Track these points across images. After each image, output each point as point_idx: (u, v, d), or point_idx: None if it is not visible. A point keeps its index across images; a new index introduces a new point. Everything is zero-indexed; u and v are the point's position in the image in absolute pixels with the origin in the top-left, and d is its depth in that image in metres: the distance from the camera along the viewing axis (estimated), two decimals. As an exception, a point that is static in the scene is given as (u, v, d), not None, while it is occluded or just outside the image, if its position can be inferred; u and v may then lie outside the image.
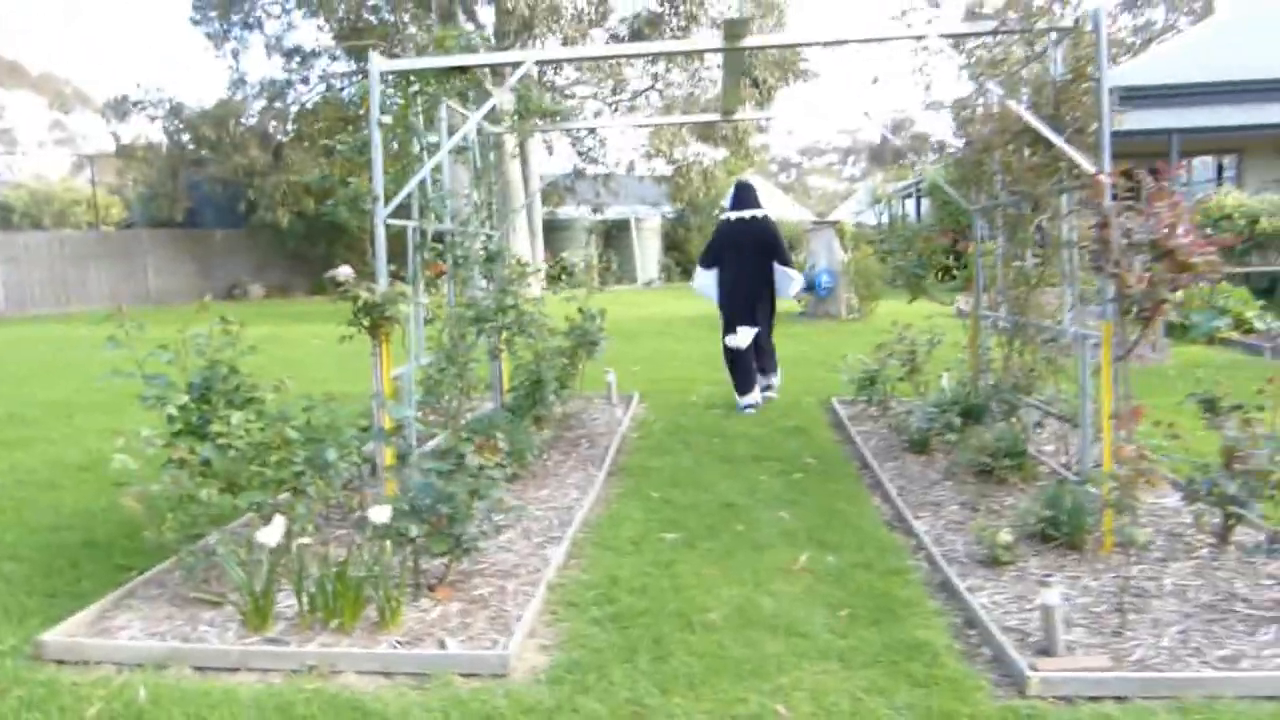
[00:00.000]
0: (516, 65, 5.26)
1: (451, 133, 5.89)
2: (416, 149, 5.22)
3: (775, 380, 9.01)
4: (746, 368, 8.55)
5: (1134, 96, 20.07)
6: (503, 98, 6.11)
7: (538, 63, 4.58)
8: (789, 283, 8.79)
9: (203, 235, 27.39)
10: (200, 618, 3.96)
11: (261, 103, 26.21)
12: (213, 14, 25.30)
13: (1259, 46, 20.91)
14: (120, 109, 24.96)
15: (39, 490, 6.15)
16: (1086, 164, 4.44)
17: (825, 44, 4.93)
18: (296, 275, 28.41)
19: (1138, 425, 4.04)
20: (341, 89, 26.05)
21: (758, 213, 8.60)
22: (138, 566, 4.60)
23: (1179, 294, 3.95)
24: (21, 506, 5.78)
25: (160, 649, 3.65)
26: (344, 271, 4.57)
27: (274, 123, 25.82)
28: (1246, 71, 20.30)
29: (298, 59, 26.57)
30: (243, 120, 24.95)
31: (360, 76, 24.54)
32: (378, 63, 4.69)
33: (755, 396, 8.50)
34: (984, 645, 3.73)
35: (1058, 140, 4.50)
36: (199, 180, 25.69)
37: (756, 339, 8.55)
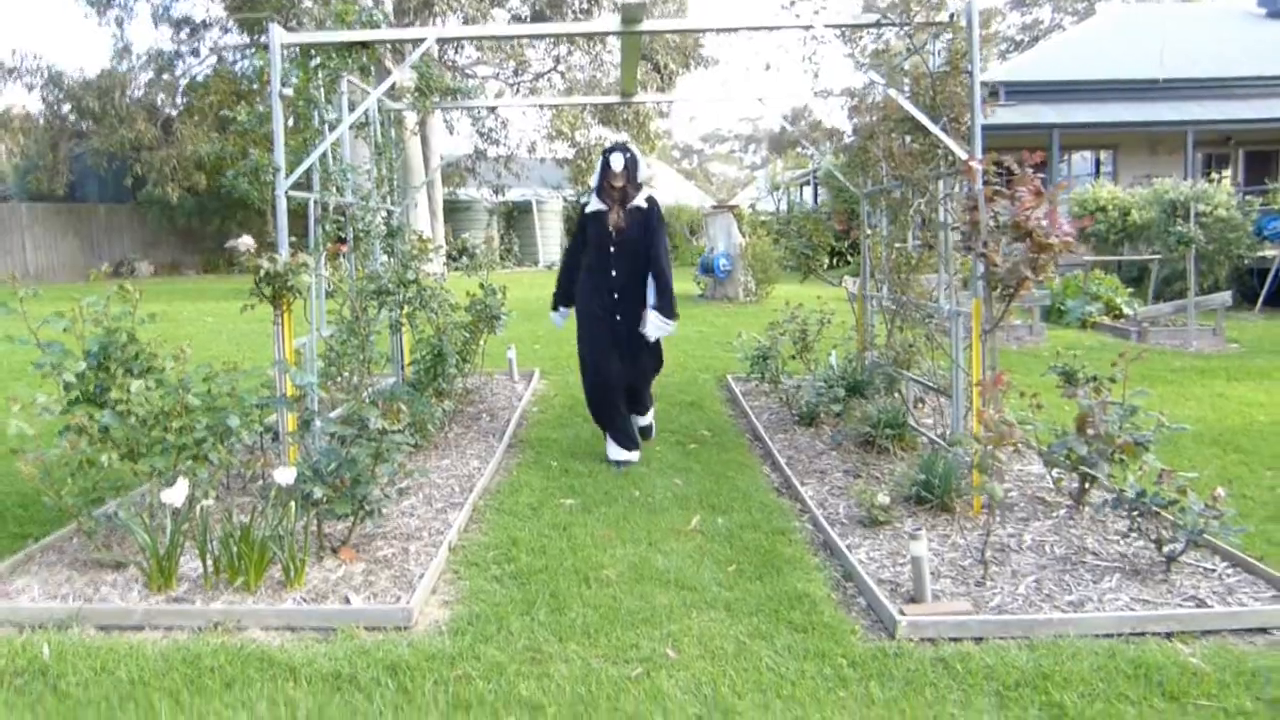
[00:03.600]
0: (418, 42, 5.36)
1: (352, 108, 5.93)
2: (317, 122, 5.25)
3: (649, 419, 6.61)
4: (615, 412, 6.12)
5: (1019, 91, 21.09)
6: (403, 75, 6.17)
7: (439, 41, 4.67)
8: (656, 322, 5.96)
9: (86, 210, 26.33)
10: (102, 580, 4.00)
11: (148, 74, 25.27)
12: (96, -21, 24.28)
13: (1135, 48, 22.07)
14: (3, 75, 23.76)
15: (-79, 463, 6.00)
16: (960, 150, 4.76)
17: (719, 30, 5.15)
18: (187, 253, 27.63)
19: (1002, 391, 4.37)
20: (234, 62, 25.33)
21: (640, 200, 6.00)
22: (33, 534, 4.58)
23: (1041, 272, 4.27)
24: (-96, 478, 5.65)
25: (62, 609, 3.69)
26: (245, 241, 4.61)
27: (162, 95, 24.91)
28: (1123, 71, 21.43)
29: (187, 30, 25.71)
30: (129, 92, 24.00)
31: (255, 50, 23.92)
32: (279, 35, 4.72)
33: (633, 455, 6.09)
34: (859, 595, 4.02)
35: (934, 128, 4.81)
36: (81, 153, 24.68)
37: (634, 374, 6.17)
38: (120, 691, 3.13)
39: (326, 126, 5.30)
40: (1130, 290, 13.75)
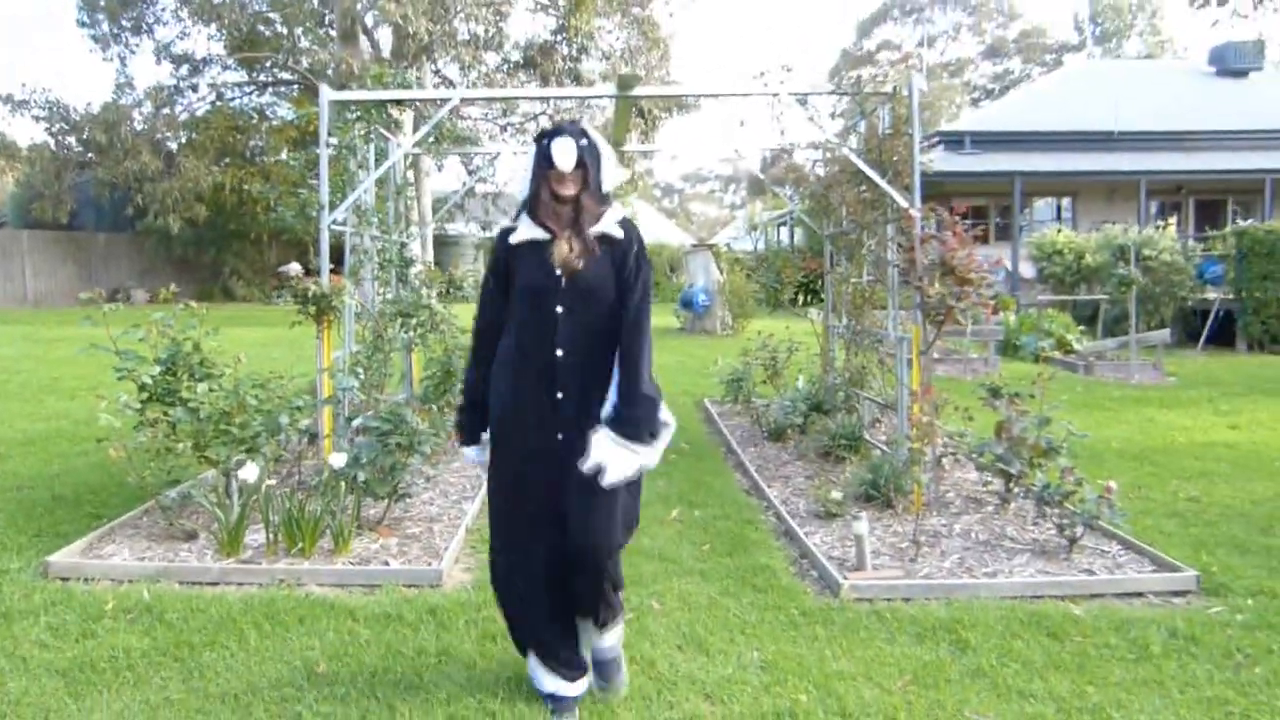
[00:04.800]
0: (434, 97, 6.20)
1: (375, 155, 6.78)
2: (354, 167, 6.09)
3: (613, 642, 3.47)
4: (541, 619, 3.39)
5: (985, 140, 22.24)
6: (420, 132, 7.02)
7: (443, 92, 5.47)
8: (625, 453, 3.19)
9: (85, 238, 27.05)
10: (178, 548, 4.76)
11: (149, 108, 26.16)
12: (101, 17, 25.22)
13: (1095, 101, 23.31)
14: (13, 107, 24.59)
15: (-10, 460, 6.75)
16: (902, 200, 5.65)
17: (700, 96, 6.02)
18: (182, 282, 28.24)
19: (937, 404, 5.22)
20: (233, 99, 26.25)
21: (608, 224, 3.33)
22: (105, 515, 5.33)
23: (963, 302, 5.15)
24: (-20, 472, 6.40)
25: (150, 568, 4.45)
26: (294, 268, 5.42)
27: (166, 130, 25.78)
28: (1084, 123, 22.66)
29: (187, 66, 26.63)
30: (132, 125, 24.89)
31: (254, 88, 24.89)
32: (327, 93, 5.57)
33: (573, 687, 3.34)
34: (812, 569, 4.83)
35: (880, 181, 5.70)
36: (82, 182, 25.48)
37: (579, 551, 3.23)
38: (214, 623, 3.90)
39: (360, 170, 6.14)
40: (1082, 328, 14.72)
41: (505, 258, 3.33)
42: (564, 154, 3.18)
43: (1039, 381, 5.74)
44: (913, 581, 4.52)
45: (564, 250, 3.19)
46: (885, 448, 6.69)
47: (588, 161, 3.23)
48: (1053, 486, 4.98)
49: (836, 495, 5.64)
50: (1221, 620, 4.09)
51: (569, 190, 3.21)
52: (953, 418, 6.25)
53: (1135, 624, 4.04)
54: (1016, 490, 5.68)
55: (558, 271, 3.20)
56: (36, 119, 24.80)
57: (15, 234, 26.03)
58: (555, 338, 3.20)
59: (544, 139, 3.26)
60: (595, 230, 3.25)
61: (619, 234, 3.30)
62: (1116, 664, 3.68)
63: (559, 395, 3.21)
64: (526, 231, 3.28)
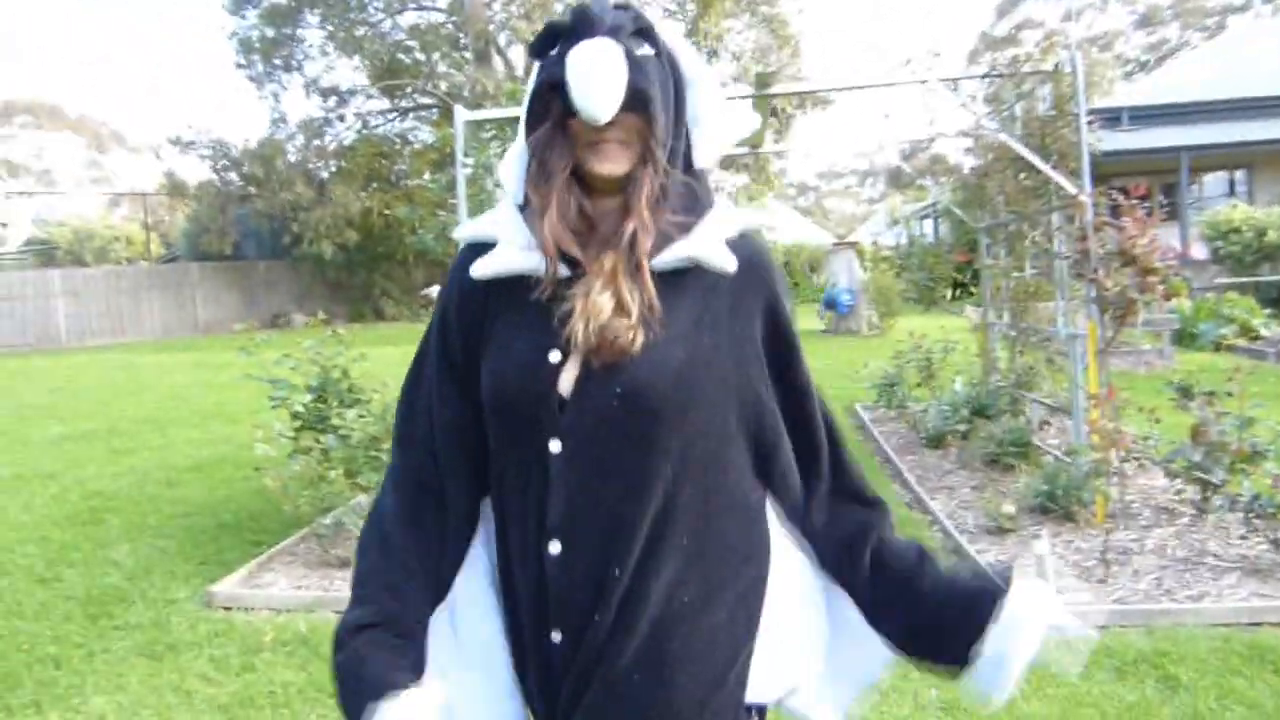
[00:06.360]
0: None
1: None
2: (491, 186, 6.05)
3: None
4: None
5: (1144, 115, 20.87)
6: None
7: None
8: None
9: (247, 267, 28.46)
10: (333, 576, 4.77)
11: (301, 140, 27.45)
12: (255, 58, 26.63)
13: (1266, 63, 21.56)
14: (181, 147, 26.33)
15: (161, 487, 7.02)
16: (1070, 186, 5.21)
17: (841, 89, 5.71)
18: (336, 304, 29.42)
19: (1118, 406, 4.77)
20: (377, 126, 27.24)
21: (700, 247, 1.33)
22: (265, 541, 5.42)
23: (1148, 294, 4.68)
24: (153, 500, 6.67)
25: (307, 597, 4.47)
26: (435, 290, 5.39)
27: (317, 160, 27.01)
28: (1255, 88, 20.95)
29: (335, 98, 27.81)
30: (286, 157, 26.20)
31: (396, 114, 25.74)
32: (462, 114, 5.53)
33: None
34: (988, 592, 4.45)
35: (1044, 166, 5.27)
36: (243, 214, 26.91)
37: None
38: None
39: (498, 190, 6.08)
40: (1268, 311, 13.55)
41: (461, 307, 1.43)
42: (597, 82, 1.25)
43: (1236, 378, 5.20)
44: (1105, 606, 4.10)
45: (599, 308, 1.28)
46: (1058, 453, 6.21)
47: (651, 94, 1.29)
48: (1264, 497, 4.46)
49: (1009, 508, 5.22)
50: None
51: (613, 167, 1.32)
52: (1135, 418, 5.73)
53: (1378, 656, 3.53)
54: (1216, 500, 5.15)
55: (553, 356, 1.33)
56: (202, 157, 26.39)
57: (186, 266, 27.61)
58: (545, 510, 1.33)
59: (551, 42, 1.32)
60: (676, 256, 1.34)
61: (726, 263, 1.36)
62: (1362, 706, 3.20)
63: (555, 638, 1.35)
64: (510, 257, 1.37)
